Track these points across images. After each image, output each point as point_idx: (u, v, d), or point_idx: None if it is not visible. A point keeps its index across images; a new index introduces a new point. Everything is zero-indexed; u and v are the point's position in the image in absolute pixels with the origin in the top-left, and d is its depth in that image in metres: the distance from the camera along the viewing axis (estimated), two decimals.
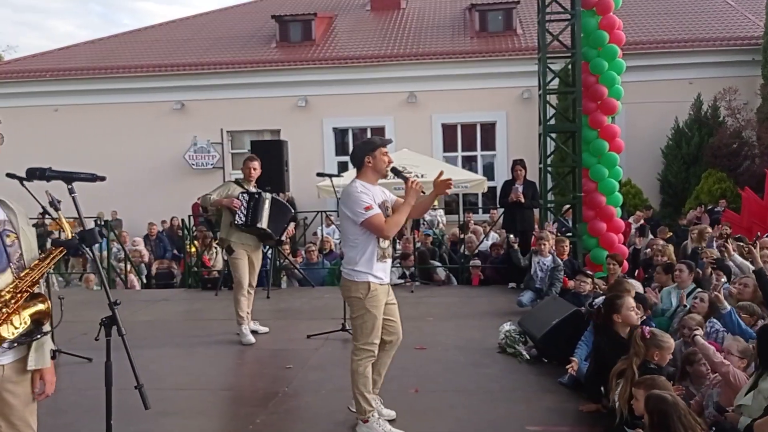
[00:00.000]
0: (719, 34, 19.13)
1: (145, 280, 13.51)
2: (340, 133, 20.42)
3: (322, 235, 12.68)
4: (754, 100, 17.32)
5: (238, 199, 6.96)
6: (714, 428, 3.93)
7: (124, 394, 3.14)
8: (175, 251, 15.20)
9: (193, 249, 12.31)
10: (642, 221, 13.91)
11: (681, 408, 3.03)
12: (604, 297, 5.81)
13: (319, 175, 7.75)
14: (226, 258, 7.27)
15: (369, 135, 19.92)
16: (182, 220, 11.95)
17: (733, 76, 17.97)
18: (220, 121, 19.86)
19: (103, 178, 2.84)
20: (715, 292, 5.46)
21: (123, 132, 20.12)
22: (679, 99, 17.82)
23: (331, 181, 7.71)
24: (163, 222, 17.41)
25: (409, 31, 21.72)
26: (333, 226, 13.68)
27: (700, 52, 18.69)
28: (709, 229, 10.30)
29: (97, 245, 2.87)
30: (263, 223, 7.02)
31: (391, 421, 4.63)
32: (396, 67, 19.65)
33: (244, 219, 6.95)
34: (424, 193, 4.47)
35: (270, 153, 8.89)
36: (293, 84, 19.95)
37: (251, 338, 7.08)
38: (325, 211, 12.37)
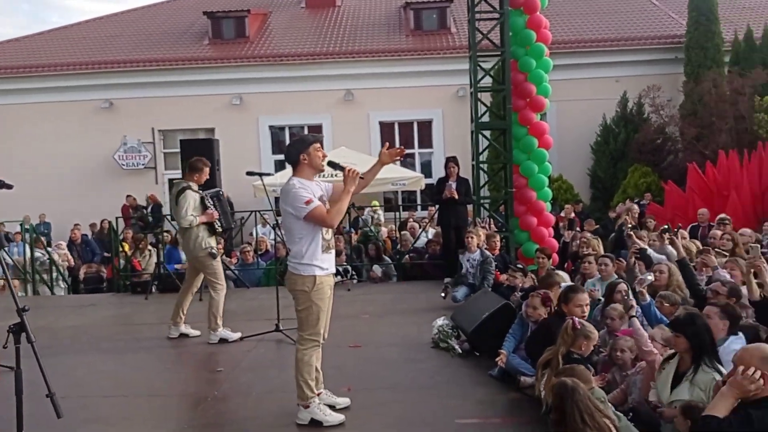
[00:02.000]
0: (644, 33, 19.83)
1: (69, 285, 13.03)
2: (277, 132, 20.22)
3: (257, 235, 12.52)
4: (677, 97, 18.03)
5: (209, 208, 7.06)
6: (631, 414, 4.05)
7: (43, 403, 3.01)
8: (105, 254, 14.74)
9: (124, 251, 11.96)
10: (572, 215, 14.29)
11: (579, 393, 3.10)
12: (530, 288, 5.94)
13: (248, 174, 7.64)
14: (207, 264, 7.15)
15: (306, 133, 19.89)
16: (110, 223, 11.59)
17: (657, 74, 18.66)
18: (151, 120, 19.37)
19: (9, 186, 2.71)
20: (640, 288, 5.64)
21: (50, 132, 19.36)
22: (606, 96, 18.40)
23: (262, 179, 7.62)
24: (92, 225, 16.87)
25: (345, 28, 21.69)
26: (268, 226, 13.54)
27: (625, 51, 19.34)
28: (636, 208, 10.71)
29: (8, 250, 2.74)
30: (231, 222, 7.27)
31: (342, 409, 4.78)
32: (332, 65, 19.58)
33: (223, 225, 7.20)
34: (362, 177, 4.56)
35: (200, 152, 8.69)
36: (227, 82, 19.63)
37: (233, 335, 7.12)
38: (259, 211, 12.22)
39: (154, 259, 11.55)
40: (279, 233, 8.90)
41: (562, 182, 17.68)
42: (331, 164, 4.61)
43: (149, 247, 12.58)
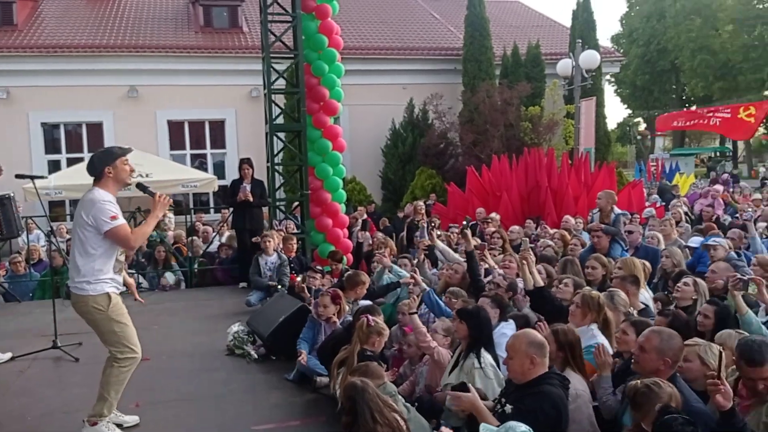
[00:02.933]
0: (427, 44, 21.15)
1: None
2: (51, 129, 18.38)
3: (28, 243, 11.30)
4: (457, 105, 19.48)
5: None
6: (416, 404, 4.29)
7: None
8: None
9: None
10: (366, 216, 14.80)
11: (369, 392, 3.23)
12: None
13: (18, 176, 6.86)
14: None
15: (84, 131, 18.39)
16: None
17: (439, 83, 20.01)
18: None
19: None
20: (420, 288, 6.00)
21: None
22: (395, 102, 19.35)
23: (34, 182, 6.89)
24: None
25: (128, 21, 20.34)
26: (38, 232, 12.29)
27: (411, 60, 20.49)
28: (422, 204, 11.40)
29: None
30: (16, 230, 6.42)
31: (130, 427, 4.61)
32: (113, 59, 18.24)
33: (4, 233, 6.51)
34: (173, 206, 4.47)
35: None
36: None
37: (3, 356, 6.43)
38: (31, 217, 11.04)
39: None
40: (54, 240, 8.11)
41: (356, 184, 18.26)
42: (140, 187, 4.56)
43: None
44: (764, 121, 36.22)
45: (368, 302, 5.89)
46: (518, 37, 21.49)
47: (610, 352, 4.36)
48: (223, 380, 5.83)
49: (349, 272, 6.77)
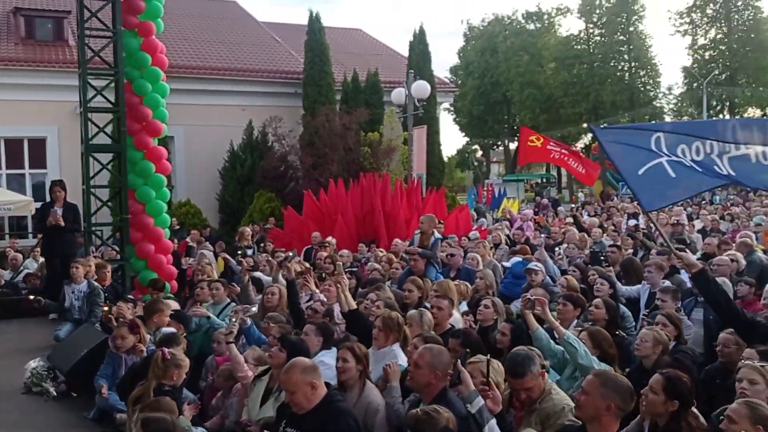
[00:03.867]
0: (267, 67, 21.06)
1: None
2: None
3: None
4: (297, 128, 19.50)
5: None
6: None
7: None
8: None
9: None
10: (196, 241, 14.29)
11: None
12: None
13: None
14: None
15: None
16: None
17: (279, 106, 19.97)
18: None
19: None
20: (242, 316, 5.86)
21: None
22: (233, 124, 19.00)
23: None
24: None
25: None
26: None
27: (251, 82, 20.28)
28: (248, 229, 11.22)
29: None
30: None
31: None
32: None
33: None
34: None
35: None
36: None
37: None
38: None
39: None
40: None
41: (190, 207, 17.66)
42: None
43: None
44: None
45: (171, 330, 5.63)
46: (358, 63, 22.00)
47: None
48: (16, 422, 5.33)
49: (149, 299, 6.47)
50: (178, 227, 15.00)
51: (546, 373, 3.98)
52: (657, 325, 5.09)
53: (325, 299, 7.01)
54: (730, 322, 4.68)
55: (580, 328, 5.21)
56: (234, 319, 5.57)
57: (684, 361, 4.61)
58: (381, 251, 10.41)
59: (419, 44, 21.75)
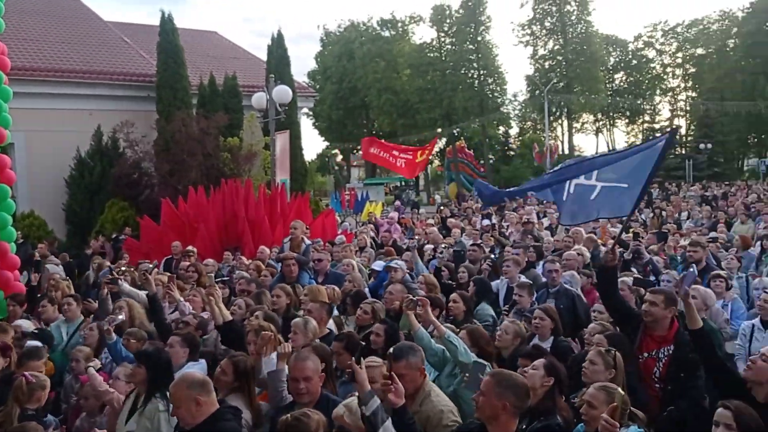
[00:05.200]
0: (117, 69, 19.93)
1: None
2: None
3: None
4: (152, 134, 18.62)
5: None
6: None
7: None
8: None
9: None
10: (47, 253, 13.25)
11: None
12: None
13: None
14: None
15: None
16: None
17: (130, 110, 18.97)
18: None
19: None
20: (108, 326, 5.55)
21: None
22: (80, 129, 17.84)
23: None
24: None
25: None
26: None
27: (99, 85, 19.13)
28: (108, 263, 10.57)
29: None
30: None
31: None
32: None
33: None
34: None
35: None
36: None
37: None
38: None
39: None
40: None
41: (34, 218, 16.37)
42: None
43: None
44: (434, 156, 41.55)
45: (36, 343, 5.23)
46: (215, 67, 21.45)
47: None
48: None
49: None
50: (21, 241, 13.81)
51: (426, 375, 4.11)
52: (536, 319, 5.44)
53: (191, 308, 6.81)
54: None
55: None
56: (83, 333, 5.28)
57: (541, 347, 4.95)
58: (244, 259, 10.19)
59: (278, 48, 21.56)
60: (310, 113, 50.36)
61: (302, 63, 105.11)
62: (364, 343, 5.08)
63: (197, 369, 4.99)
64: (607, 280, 5.21)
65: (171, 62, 19.07)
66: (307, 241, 8.86)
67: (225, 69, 21.15)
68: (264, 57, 22.35)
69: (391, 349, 4.09)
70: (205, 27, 51.16)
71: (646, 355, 4.60)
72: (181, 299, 6.89)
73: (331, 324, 6.18)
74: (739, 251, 9.51)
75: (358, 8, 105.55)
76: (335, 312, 6.68)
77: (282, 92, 15.52)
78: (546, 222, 15.05)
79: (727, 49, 52.23)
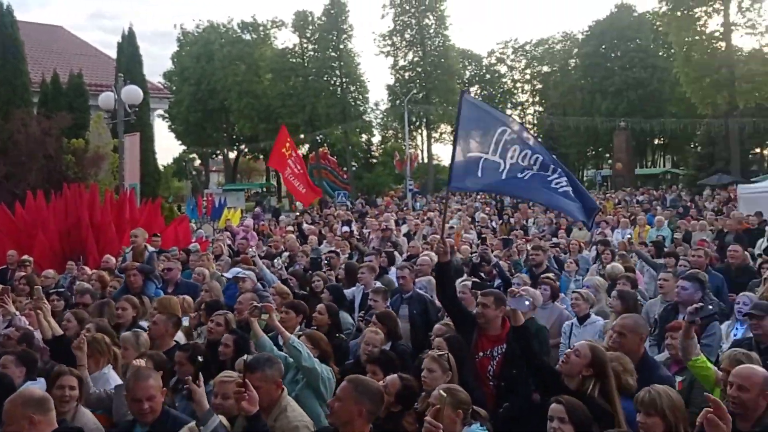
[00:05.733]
0: None
1: None
2: None
3: None
4: None
5: None
6: None
7: None
8: None
9: None
10: None
11: None
12: None
13: None
14: None
15: None
16: None
17: None
18: None
19: None
20: None
21: None
22: None
23: None
24: None
25: None
26: None
27: None
28: None
29: None
30: None
31: None
32: None
33: None
34: None
35: None
36: None
37: None
38: None
39: None
40: None
41: None
42: None
43: None
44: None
45: None
46: (59, 64, 20.13)
47: None
48: None
49: None
50: None
51: (284, 389, 4.09)
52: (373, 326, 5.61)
53: (27, 322, 6.35)
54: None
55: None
56: None
57: (389, 354, 5.11)
58: (87, 268, 9.59)
59: (128, 46, 20.54)
60: (166, 115, 48.44)
61: (158, 63, 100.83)
62: (205, 357, 4.95)
63: (39, 385, 4.67)
64: (440, 277, 5.39)
65: (10, 57, 17.69)
66: (151, 249, 8.51)
67: (70, 66, 19.91)
68: (114, 55, 21.23)
69: (246, 359, 4.02)
70: (50, 21, 47.69)
71: (481, 354, 4.87)
72: (17, 313, 6.40)
73: (180, 336, 6.02)
74: (575, 255, 10.44)
75: (217, 9, 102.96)
76: (185, 323, 6.50)
77: (132, 92, 14.82)
78: (405, 228, 15.51)
79: (569, 67, 56.55)
